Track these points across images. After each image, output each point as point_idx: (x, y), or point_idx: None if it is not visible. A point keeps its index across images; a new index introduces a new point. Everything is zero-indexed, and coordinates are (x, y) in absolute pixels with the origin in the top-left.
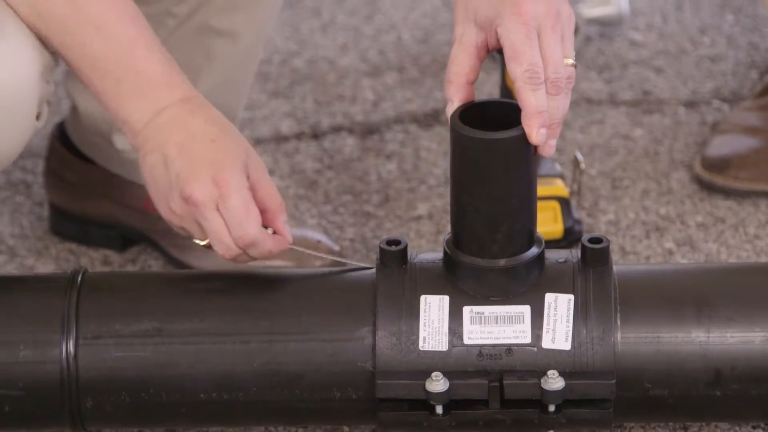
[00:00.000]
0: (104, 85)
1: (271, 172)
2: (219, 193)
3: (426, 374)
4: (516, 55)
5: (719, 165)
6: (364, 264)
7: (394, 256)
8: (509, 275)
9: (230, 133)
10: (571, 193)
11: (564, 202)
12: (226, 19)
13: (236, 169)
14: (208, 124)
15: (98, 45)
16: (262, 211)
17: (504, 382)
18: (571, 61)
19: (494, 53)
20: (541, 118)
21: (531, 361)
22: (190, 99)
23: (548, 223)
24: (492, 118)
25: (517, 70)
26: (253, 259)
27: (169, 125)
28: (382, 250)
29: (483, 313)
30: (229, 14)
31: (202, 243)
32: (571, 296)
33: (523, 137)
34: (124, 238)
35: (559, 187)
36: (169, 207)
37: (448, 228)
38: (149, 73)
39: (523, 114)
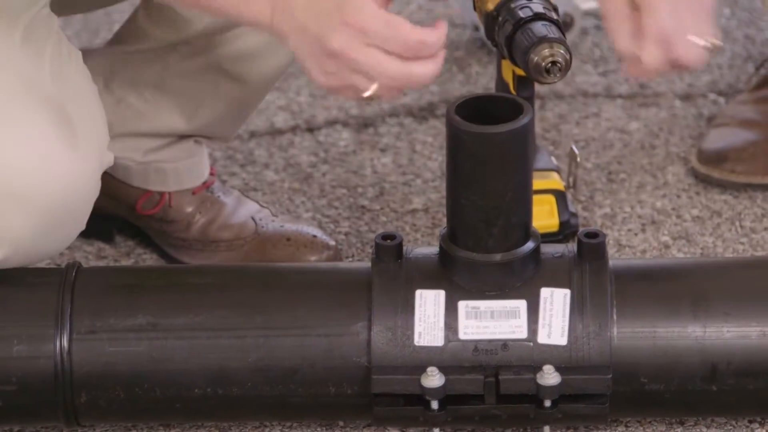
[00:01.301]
0: (216, 6)
1: (266, 166)
2: (356, 29)
3: (421, 369)
4: (652, 8)
5: (716, 158)
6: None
7: (389, 250)
8: (505, 270)
9: None
10: (567, 186)
11: (560, 196)
12: (238, 66)
13: (363, 1)
14: None
15: None
16: None
17: (500, 377)
18: (700, 40)
19: (489, 45)
20: (648, 72)
21: (527, 356)
22: None
23: (544, 216)
24: (488, 112)
25: (649, 25)
26: (426, 76)
27: (286, 1)
28: (377, 245)
29: (479, 307)
30: (241, 62)
31: (369, 92)
32: (567, 291)
33: (520, 131)
34: (118, 230)
35: (555, 181)
36: (324, 75)
37: (444, 222)
38: None
39: (637, 63)
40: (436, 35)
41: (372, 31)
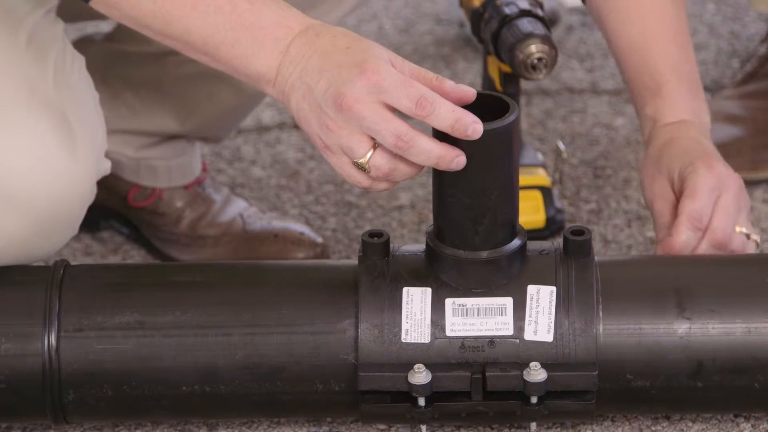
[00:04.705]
0: (223, 55)
1: (253, 162)
2: (371, 82)
3: (408, 366)
4: (694, 194)
5: None
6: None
7: (376, 248)
8: (491, 267)
9: (363, 40)
10: (553, 182)
11: (546, 192)
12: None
13: (381, 60)
14: (337, 38)
15: (200, 23)
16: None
17: (486, 374)
18: (744, 230)
19: (475, 42)
20: (677, 252)
21: (513, 353)
22: (310, 26)
23: (530, 212)
24: (475, 110)
25: (687, 206)
26: (428, 151)
27: (300, 57)
28: (364, 243)
29: (465, 305)
30: None
31: (363, 158)
32: (553, 288)
33: (506, 128)
34: (105, 223)
35: (541, 177)
36: (324, 131)
37: (430, 217)
38: (258, 23)
39: (668, 240)
40: (455, 94)
41: (387, 82)
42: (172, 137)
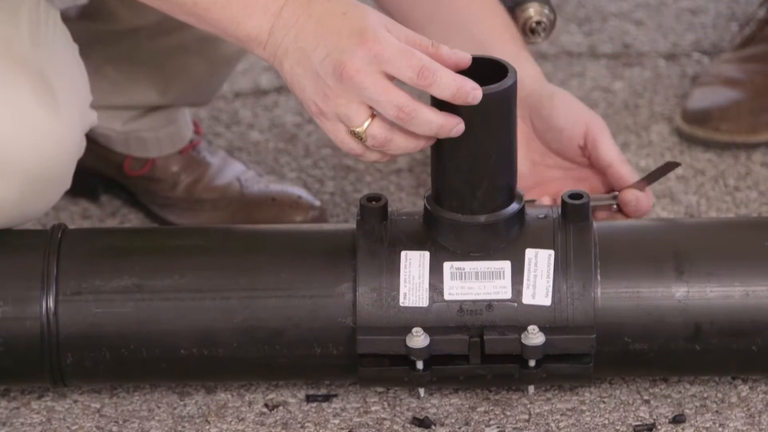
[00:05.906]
0: (214, 17)
1: (251, 126)
2: (372, 53)
3: (406, 330)
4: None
5: (700, 117)
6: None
7: (374, 212)
8: (489, 231)
9: (358, 5)
10: None
11: None
12: (204, 46)
13: (380, 28)
14: (332, 3)
15: None
16: None
17: (484, 337)
18: None
19: None
20: None
21: (511, 317)
22: None
23: None
24: (473, 74)
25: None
26: (429, 122)
27: (293, 20)
28: (362, 206)
29: (463, 268)
30: (206, 43)
31: (360, 128)
32: (552, 252)
33: (504, 93)
34: (103, 188)
35: None
36: (321, 99)
37: (428, 181)
38: None
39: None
40: (453, 60)
41: (387, 56)
42: (156, 108)
